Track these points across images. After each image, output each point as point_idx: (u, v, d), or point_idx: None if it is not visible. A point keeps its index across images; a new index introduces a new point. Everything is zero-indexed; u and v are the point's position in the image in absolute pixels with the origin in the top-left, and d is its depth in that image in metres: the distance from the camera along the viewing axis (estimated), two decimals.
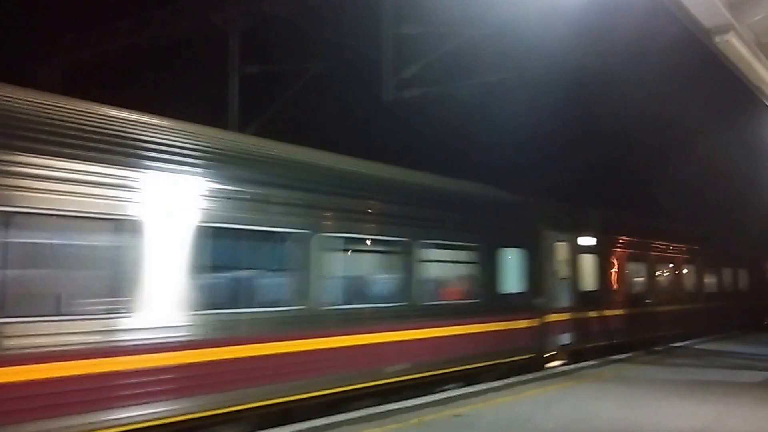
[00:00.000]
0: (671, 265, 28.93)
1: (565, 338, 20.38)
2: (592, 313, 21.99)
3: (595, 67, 23.85)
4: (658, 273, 27.60)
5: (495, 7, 18.47)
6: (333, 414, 12.46)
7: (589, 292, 22.08)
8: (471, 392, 14.97)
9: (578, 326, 21.01)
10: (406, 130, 31.56)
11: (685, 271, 30.06)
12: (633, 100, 31.94)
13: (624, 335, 23.70)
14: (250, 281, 11.84)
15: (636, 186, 41.69)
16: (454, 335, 15.72)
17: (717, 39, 11.63)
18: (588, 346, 21.39)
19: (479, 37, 20.04)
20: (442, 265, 16.14)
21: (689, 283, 30.47)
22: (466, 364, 16.10)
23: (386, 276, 14.82)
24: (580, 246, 21.77)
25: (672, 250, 28.89)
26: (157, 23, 24.91)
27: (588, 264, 22.32)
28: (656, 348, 23.77)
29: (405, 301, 14.60)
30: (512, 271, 18.15)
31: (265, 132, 22.44)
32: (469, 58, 21.10)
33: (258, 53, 24.57)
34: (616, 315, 23.56)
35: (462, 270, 16.89)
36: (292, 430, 11.44)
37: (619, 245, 24.66)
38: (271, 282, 12.21)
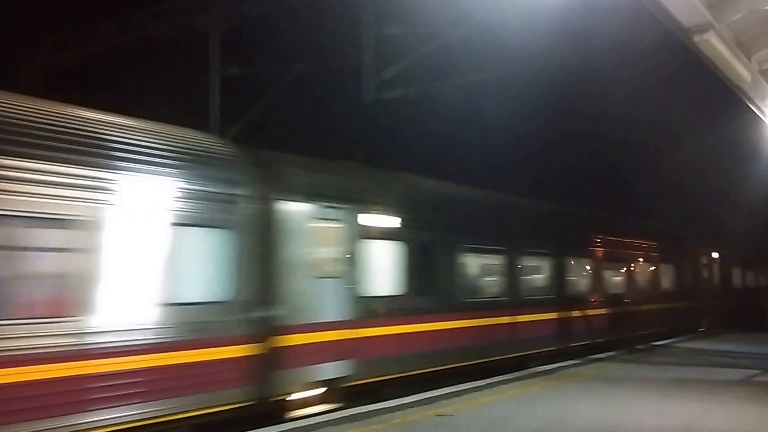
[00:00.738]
0: (547, 259, 21.47)
1: (331, 369, 13.42)
2: (390, 329, 14.90)
3: (577, 66, 23.95)
4: (521, 268, 20.08)
5: (477, 8, 18.47)
6: (316, 414, 12.45)
7: (384, 297, 15.01)
8: (454, 392, 14.95)
9: (359, 349, 13.98)
10: (387, 130, 31.57)
11: (572, 266, 22.69)
12: (615, 100, 32.08)
13: (447, 359, 16.53)
14: None
15: (619, 184, 41.88)
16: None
17: (696, 38, 11.67)
18: (380, 378, 14.64)
19: (461, 38, 20.03)
20: None
21: (582, 282, 23.48)
22: None
23: None
24: (366, 228, 14.64)
25: (550, 238, 21.53)
26: (138, 25, 24.79)
27: (385, 256, 15.26)
28: (638, 347, 23.76)
29: None
30: (192, 265, 11.15)
31: (245, 133, 22.38)
32: (451, 58, 21.12)
33: (239, 55, 24.50)
34: (434, 330, 16.20)
35: (38, 264, 9.45)
36: (276, 430, 11.43)
37: (449, 229, 17.20)
38: None
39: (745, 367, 19.43)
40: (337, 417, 12.30)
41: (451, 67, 21.37)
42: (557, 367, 18.85)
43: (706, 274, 33.64)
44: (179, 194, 10.93)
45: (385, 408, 13.13)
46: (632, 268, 26.97)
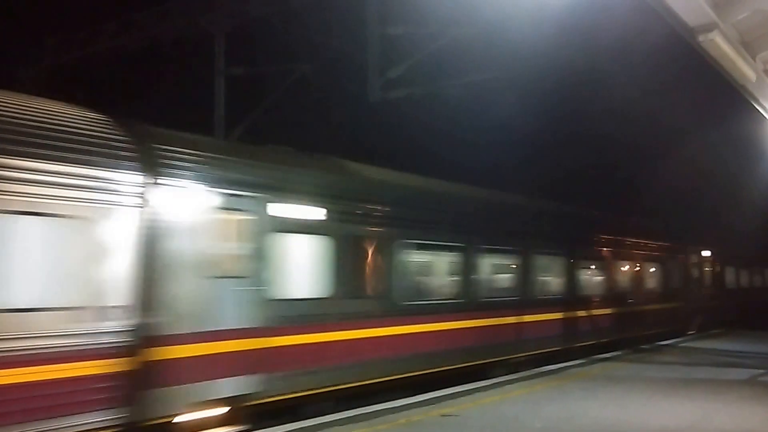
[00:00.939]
0: (510, 257, 19.15)
1: (231, 385, 11.30)
2: (312, 337, 12.79)
3: (581, 66, 23.93)
4: (479, 267, 17.66)
5: (481, 7, 18.47)
6: (321, 415, 12.46)
7: (305, 300, 12.90)
8: (459, 392, 14.97)
9: (272, 361, 11.88)
10: (392, 130, 31.62)
11: (538, 265, 20.12)
12: (619, 99, 32.08)
13: (386, 368, 14.50)
14: None
15: (623, 184, 41.86)
16: None
17: (701, 38, 11.65)
18: (301, 393, 12.56)
19: (465, 37, 20.04)
20: None
21: (553, 282, 21.05)
22: None
23: None
24: (281, 220, 12.42)
25: (514, 234, 19.12)
26: (142, 25, 24.84)
27: (307, 252, 13.15)
28: (643, 346, 23.71)
29: None
30: (28, 264, 8.98)
31: (250, 134, 22.42)
32: (456, 58, 21.13)
33: (244, 55, 24.55)
34: (370, 337, 14.12)
35: None
36: (282, 430, 11.45)
37: (392, 223, 15.07)
38: None
39: (750, 367, 19.41)
40: (343, 417, 12.32)
41: (456, 66, 21.38)
42: (562, 367, 18.84)
43: (696, 273, 31.45)
44: (10, 175, 8.75)
45: (390, 408, 13.15)
46: (612, 268, 24.48)
